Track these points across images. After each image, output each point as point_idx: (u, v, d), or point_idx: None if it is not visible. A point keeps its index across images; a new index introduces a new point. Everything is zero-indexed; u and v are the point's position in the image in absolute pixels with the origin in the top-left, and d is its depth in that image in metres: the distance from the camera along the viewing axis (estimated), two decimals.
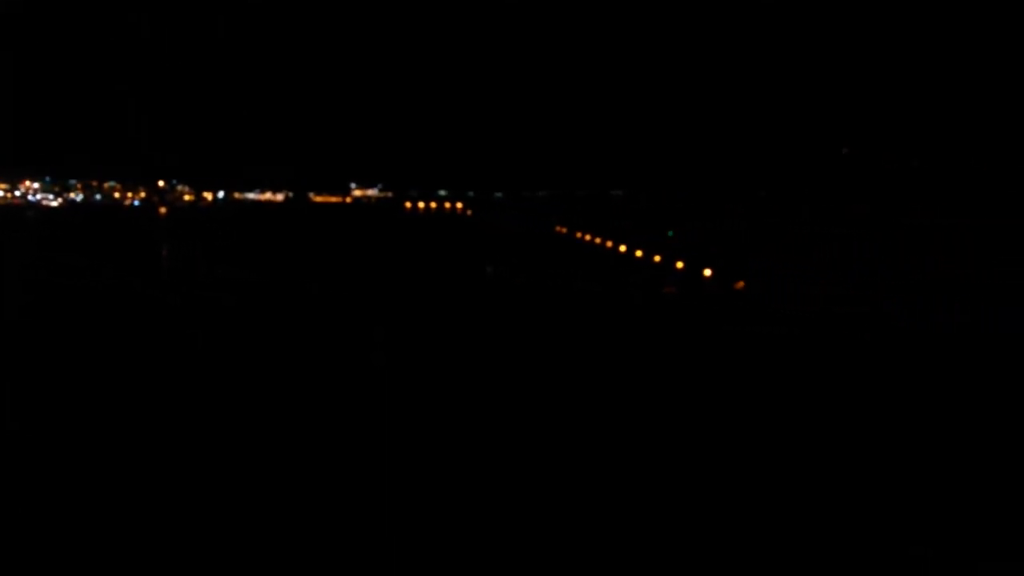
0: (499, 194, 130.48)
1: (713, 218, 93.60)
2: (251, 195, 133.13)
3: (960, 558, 14.07)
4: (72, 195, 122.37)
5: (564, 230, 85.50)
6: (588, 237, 75.32)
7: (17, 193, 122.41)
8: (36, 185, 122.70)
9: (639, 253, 59.44)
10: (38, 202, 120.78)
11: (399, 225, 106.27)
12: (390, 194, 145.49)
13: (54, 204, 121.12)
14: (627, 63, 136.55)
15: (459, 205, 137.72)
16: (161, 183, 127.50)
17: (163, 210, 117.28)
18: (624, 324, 34.66)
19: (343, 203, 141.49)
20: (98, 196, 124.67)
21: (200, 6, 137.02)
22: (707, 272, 45.18)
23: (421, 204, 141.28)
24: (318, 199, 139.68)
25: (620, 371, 25.92)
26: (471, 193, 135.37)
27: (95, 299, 42.08)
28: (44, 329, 33.13)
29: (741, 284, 40.89)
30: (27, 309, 37.85)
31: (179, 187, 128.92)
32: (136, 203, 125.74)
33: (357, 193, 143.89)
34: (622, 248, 63.53)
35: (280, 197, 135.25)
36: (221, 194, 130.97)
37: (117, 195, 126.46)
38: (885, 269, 49.51)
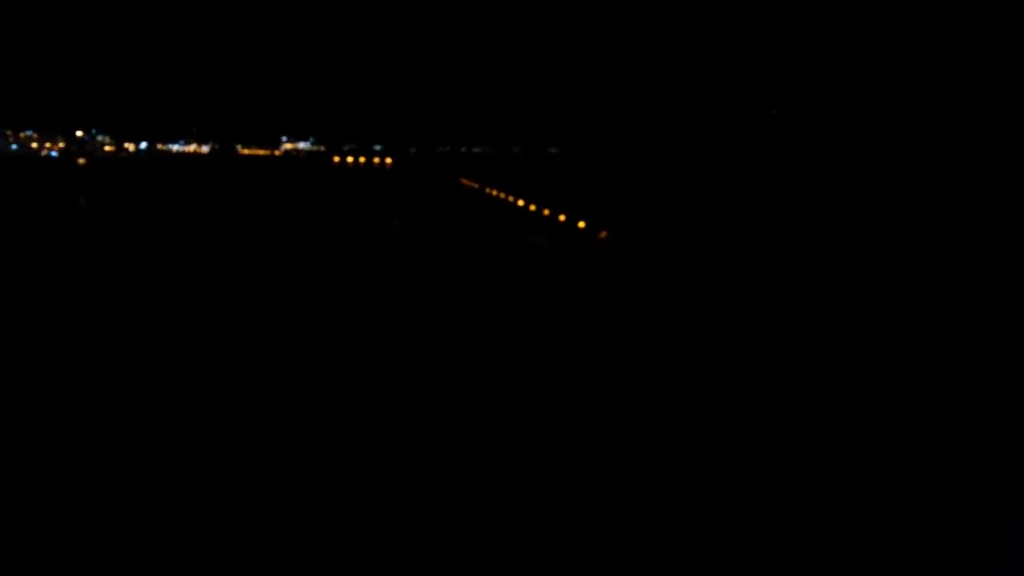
0: (413, 149, 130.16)
1: (630, 177, 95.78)
2: (175, 147, 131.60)
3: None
4: None
5: (475, 184, 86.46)
6: (494, 192, 76.61)
7: None
8: None
9: (532, 207, 61.08)
10: None
11: (320, 177, 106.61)
12: (322, 148, 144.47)
13: None
14: (574, 23, 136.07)
15: (388, 160, 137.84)
16: (80, 133, 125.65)
17: (81, 161, 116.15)
18: (475, 263, 37.48)
19: (271, 156, 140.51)
20: (14, 146, 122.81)
21: None
22: (581, 224, 46.42)
23: (350, 159, 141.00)
24: (245, 152, 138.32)
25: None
26: (412, 149, 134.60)
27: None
28: None
29: (604, 234, 42.13)
30: None
31: (99, 137, 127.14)
32: (53, 153, 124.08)
33: (288, 147, 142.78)
34: (520, 202, 64.95)
35: (206, 149, 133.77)
36: (144, 145, 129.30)
37: (35, 145, 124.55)
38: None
